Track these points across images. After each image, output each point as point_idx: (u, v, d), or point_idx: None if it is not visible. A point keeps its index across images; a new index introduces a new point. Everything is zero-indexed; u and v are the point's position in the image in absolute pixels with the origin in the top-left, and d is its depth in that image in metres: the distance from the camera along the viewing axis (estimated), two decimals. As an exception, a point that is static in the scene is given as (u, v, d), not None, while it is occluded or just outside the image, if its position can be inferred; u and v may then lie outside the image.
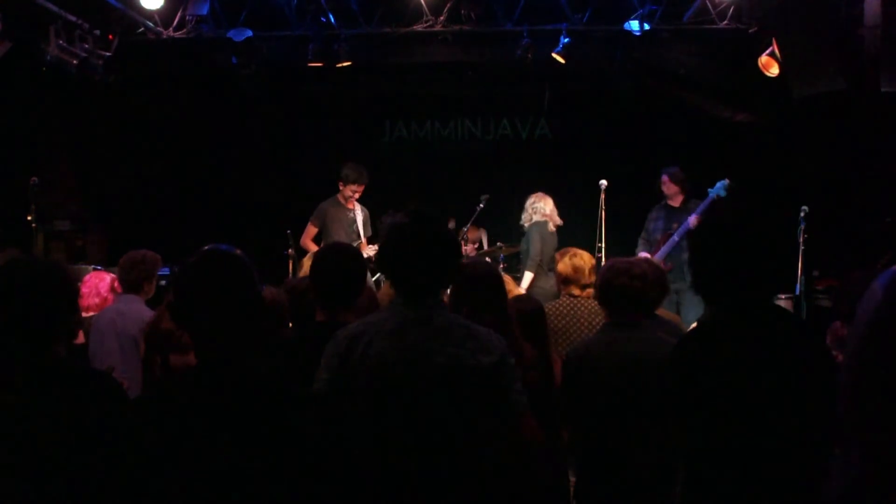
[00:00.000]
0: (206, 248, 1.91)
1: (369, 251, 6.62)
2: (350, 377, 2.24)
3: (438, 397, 2.21)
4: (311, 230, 6.79)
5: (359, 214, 6.84)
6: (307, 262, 4.66)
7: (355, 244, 6.74)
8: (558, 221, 6.77)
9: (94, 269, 5.41)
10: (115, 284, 4.54)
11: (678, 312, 6.00)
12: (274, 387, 1.86)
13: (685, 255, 6.50)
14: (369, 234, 6.89)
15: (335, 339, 2.31)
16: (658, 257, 6.42)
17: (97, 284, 4.56)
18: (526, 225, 6.79)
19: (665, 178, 6.74)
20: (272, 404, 1.81)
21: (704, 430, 2.13)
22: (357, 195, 6.77)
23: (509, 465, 2.30)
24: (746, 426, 2.09)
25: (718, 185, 6.45)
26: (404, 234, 2.34)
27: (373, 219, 6.97)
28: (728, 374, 2.10)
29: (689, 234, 2.34)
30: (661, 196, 6.83)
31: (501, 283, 3.14)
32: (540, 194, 6.82)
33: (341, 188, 6.76)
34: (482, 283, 3.01)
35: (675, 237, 6.48)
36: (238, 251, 1.93)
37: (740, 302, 2.17)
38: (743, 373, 2.10)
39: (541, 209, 6.72)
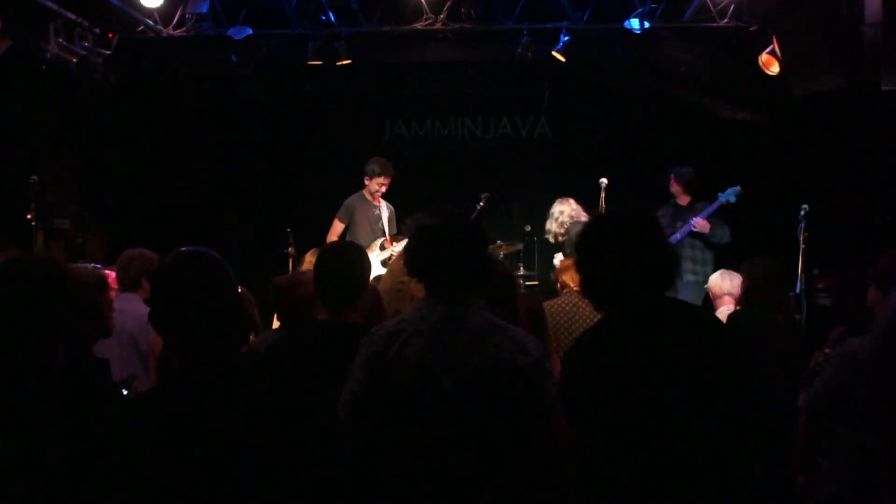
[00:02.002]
0: (180, 250, 1.90)
1: (394, 249, 6.61)
2: (385, 376, 2.23)
3: (474, 398, 2.20)
4: (338, 226, 6.77)
5: (384, 211, 6.84)
6: (309, 258, 4.65)
7: (380, 241, 6.74)
8: (583, 218, 6.72)
9: (94, 268, 5.40)
10: (110, 283, 4.52)
11: None
12: (260, 387, 1.84)
13: (685, 252, 6.53)
14: (394, 231, 6.88)
15: (370, 338, 2.30)
16: None
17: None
18: (560, 232, 6.70)
19: (672, 176, 6.78)
20: (258, 405, 1.79)
21: (599, 433, 2.14)
22: (384, 189, 6.75)
23: (543, 466, 2.29)
24: (642, 426, 2.10)
25: (729, 190, 6.44)
26: (433, 233, 2.33)
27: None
28: (620, 375, 2.13)
29: (575, 244, 2.39)
30: (670, 195, 6.86)
31: (513, 279, 3.15)
32: (564, 200, 6.73)
33: (367, 183, 6.74)
34: (496, 280, 3.00)
35: (678, 235, 6.50)
36: (213, 252, 1.91)
37: (630, 302, 2.20)
38: (635, 372, 2.12)
39: (575, 212, 6.64)
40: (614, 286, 2.21)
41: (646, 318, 2.18)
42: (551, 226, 6.76)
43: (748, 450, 2.19)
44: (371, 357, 2.26)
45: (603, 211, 6.23)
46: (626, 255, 2.18)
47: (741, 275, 4.33)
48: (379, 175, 6.66)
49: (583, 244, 2.30)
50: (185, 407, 1.75)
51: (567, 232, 6.68)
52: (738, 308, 4.32)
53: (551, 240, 6.85)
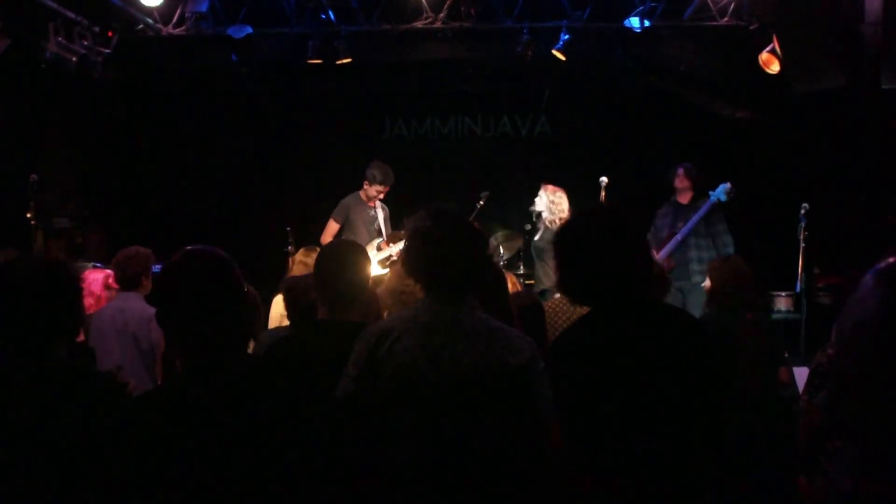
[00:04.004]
0: (187, 248, 1.88)
1: (391, 250, 6.62)
2: (377, 373, 2.23)
3: (463, 397, 2.21)
4: (333, 227, 6.77)
5: (380, 212, 6.85)
6: (298, 257, 4.66)
7: (376, 242, 6.75)
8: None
9: (94, 267, 5.40)
10: (110, 282, 4.53)
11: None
12: (264, 387, 1.83)
13: (690, 253, 6.50)
14: (390, 232, 6.89)
15: (364, 335, 2.31)
16: (662, 255, 6.42)
17: (90, 284, 4.55)
18: (551, 219, 6.48)
19: (681, 171, 6.71)
20: (263, 405, 1.78)
21: (581, 432, 2.15)
22: (381, 196, 6.76)
23: (534, 468, 2.30)
24: (621, 424, 2.11)
25: (720, 188, 6.39)
26: (426, 233, 2.33)
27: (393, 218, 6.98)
28: (598, 375, 2.13)
29: (554, 240, 2.40)
30: (671, 191, 6.80)
31: (503, 278, 3.16)
32: (560, 191, 6.48)
33: (366, 187, 6.74)
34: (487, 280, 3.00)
35: (679, 236, 6.47)
36: (220, 251, 1.89)
37: (609, 302, 2.21)
38: (614, 372, 2.13)
39: (565, 208, 6.49)
40: (593, 285, 2.21)
41: (625, 318, 2.19)
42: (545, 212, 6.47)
43: (727, 451, 2.20)
44: (363, 354, 2.27)
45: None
46: (606, 254, 2.18)
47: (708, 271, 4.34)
48: (379, 183, 6.66)
49: (563, 241, 2.29)
50: (190, 405, 1.75)
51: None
52: (705, 311, 4.33)
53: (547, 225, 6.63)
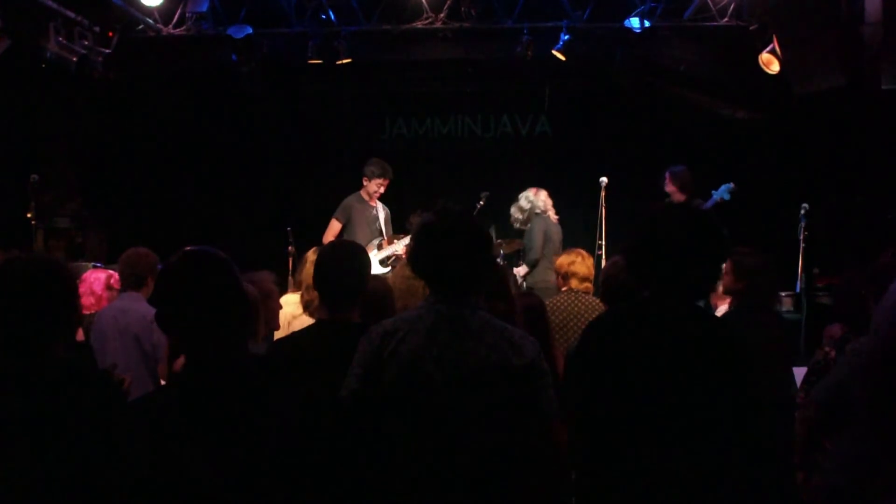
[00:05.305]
0: (185, 249, 1.88)
1: (391, 249, 6.64)
2: (381, 373, 2.23)
3: (468, 397, 2.20)
4: (336, 226, 6.79)
5: (381, 212, 6.89)
6: (311, 256, 4.65)
7: (377, 241, 6.77)
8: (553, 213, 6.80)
9: (94, 267, 5.40)
10: (112, 282, 4.51)
11: None
12: (266, 387, 1.83)
13: None
14: (391, 231, 6.91)
15: (368, 335, 2.30)
16: None
17: (91, 283, 4.54)
18: (521, 219, 6.80)
19: (666, 175, 6.75)
20: (263, 405, 1.78)
21: (598, 424, 2.15)
22: (382, 190, 6.79)
23: (537, 468, 2.29)
24: (636, 419, 2.10)
25: (723, 188, 6.41)
26: (432, 232, 2.34)
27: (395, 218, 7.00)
28: (620, 368, 2.13)
29: (639, 226, 2.39)
30: (665, 194, 6.82)
31: (508, 277, 3.17)
32: (533, 189, 6.83)
33: (366, 184, 6.77)
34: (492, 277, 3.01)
35: None
36: (219, 251, 1.89)
37: (649, 298, 2.20)
38: (635, 367, 2.12)
39: (538, 203, 6.73)
40: (663, 282, 2.17)
41: (658, 317, 2.17)
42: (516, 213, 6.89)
43: (747, 459, 2.19)
44: (368, 354, 2.27)
45: (672, 204, 6.10)
46: (692, 258, 2.16)
47: (732, 269, 3.88)
48: (379, 177, 6.69)
49: (646, 230, 2.26)
50: (190, 406, 1.75)
51: (528, 221, 6.76)
52: (731, 307, 4.00)
53: (516, 226, 6.93)
